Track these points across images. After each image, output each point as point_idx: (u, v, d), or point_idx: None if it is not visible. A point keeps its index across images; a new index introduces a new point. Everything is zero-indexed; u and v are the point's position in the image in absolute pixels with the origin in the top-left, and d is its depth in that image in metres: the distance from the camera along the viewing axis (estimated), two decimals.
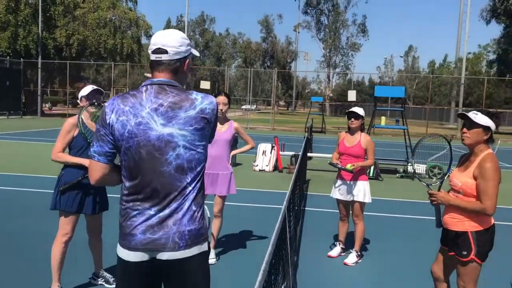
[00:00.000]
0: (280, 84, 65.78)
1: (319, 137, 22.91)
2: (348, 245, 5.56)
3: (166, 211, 2.09)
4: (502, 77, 37.41)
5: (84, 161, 3.66)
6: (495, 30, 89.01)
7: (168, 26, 73.37)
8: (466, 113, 3.31)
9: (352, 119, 5.21)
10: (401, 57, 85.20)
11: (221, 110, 4.93)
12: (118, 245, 2.16)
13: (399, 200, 9.09)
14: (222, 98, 4.98)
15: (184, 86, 2.25)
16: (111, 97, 2.26)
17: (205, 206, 4.92)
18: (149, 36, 36.78)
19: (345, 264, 5.23)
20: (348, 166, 5.11)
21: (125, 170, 2.13)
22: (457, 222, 3.31)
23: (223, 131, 5.00)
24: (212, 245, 5.18)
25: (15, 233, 5.77)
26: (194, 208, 2.13)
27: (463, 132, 3.34)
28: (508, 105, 44.38)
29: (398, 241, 6.26)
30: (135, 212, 2.11)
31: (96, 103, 3.81)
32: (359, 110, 5.23)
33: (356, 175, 5.22)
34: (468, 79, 40.72)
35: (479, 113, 3.29)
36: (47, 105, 45.00)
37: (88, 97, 3.88)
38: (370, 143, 5.24)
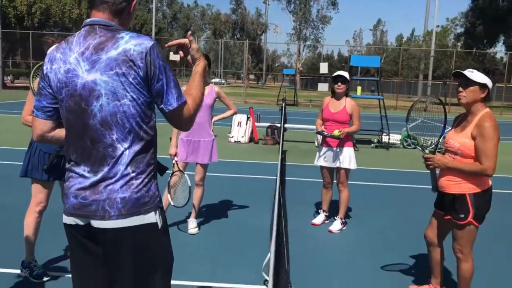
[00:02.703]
0: (250, 57, 65.06)
1: (291, 110, 22.82)
2: (331, 213, 5.48)
3: (99, 175, 1.84)
4: (469, 50, 37.96)
5: None
6: (463, 3, 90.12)
7: None
8: (462, 71, 3.18)
9: (339, 83, 5.04)
10: (370, 30, 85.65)
11: None
12: None
13: (377, 169, 9.08)
14: None
15: None
16: None
17: (186, 175, 4.72)
18: None
19: (330, 231, 5.14)
20: (335, 132, 4.97)
21: (64, 126, 1.93)
22: (454, 185, 3.21)
23: (205, 96, 4.75)
24: (193, 215, 5.00)
25: None
26: (130, 172, 1.84)
27: (459, 92, 3.22)
28: None
29: (379, 208, 6.22)
30: (71, 174, 1.92)
31: None
32: (346, 74, 5.07)
33: (342, 141, 5.09)
34: (436, 52, 41.19)
35: (475, 71, 3.17)
36: (8, 78, 43.23)
37: None
38: (355, 108, 5.10)
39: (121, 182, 1.84)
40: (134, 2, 1.93)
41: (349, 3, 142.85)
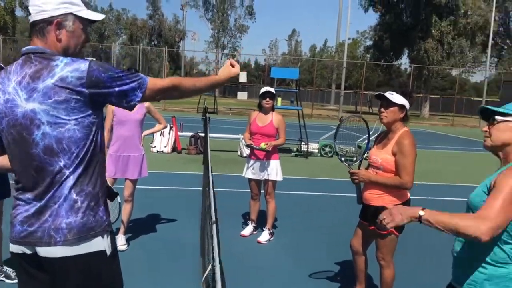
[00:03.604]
0: (168, 63, 64.22)
1: (212, 118, 22.87)
2: (259, 223, 5.63)
3: (43, 201, 1.82)
4: (378, 62, 40.38)
5: None
6: (373, 17, 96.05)
7: None
8: (383, 93, 3.47)
9: (268, 99, 5.23)
10: (286, 40, 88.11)
11: None
12: None
13: (299, 178, 9.41)
14: None
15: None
16: None
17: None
18: (24, 8, 33.60)
19: (258, 242, 5.29)
20: (262, 145, 5.15)
21: (8, 156, 1.91)
22: (377, 198, 3.48)
23: (134, 111, 4.70)
24: (122, 231, 4.91)
25: None
26: (74, 196, 1.82)
27: (381, 112, 3.50)
28: (380, 88, 48.26)
29: (303, 217, 6.49)
30: (17, 202, 1.89)
31: None
32: (273, 90, 5.28)
33: (269, 154, 5.27)
34: (347, 63, 43.38)
35: (394, 93, 3.46)
36: None
37: None
38: (282, 122, 5.32)
39: (66, 207, 1.82)
40: (56, 21, 1.85)
41: (266, 13, 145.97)
